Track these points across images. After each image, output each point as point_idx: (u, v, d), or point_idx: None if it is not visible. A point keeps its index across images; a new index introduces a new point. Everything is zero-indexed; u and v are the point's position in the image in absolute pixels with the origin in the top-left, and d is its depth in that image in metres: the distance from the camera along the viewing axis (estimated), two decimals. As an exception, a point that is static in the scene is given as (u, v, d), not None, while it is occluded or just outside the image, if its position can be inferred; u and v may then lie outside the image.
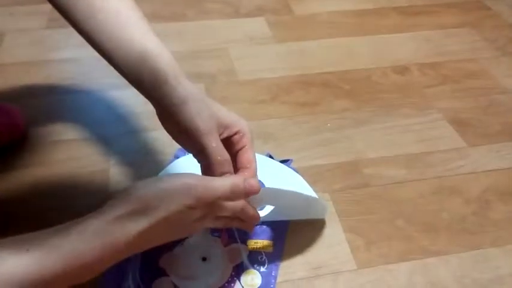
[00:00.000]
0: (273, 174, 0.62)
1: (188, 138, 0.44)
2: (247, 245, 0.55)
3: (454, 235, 0.59)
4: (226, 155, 0.44)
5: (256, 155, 0.49)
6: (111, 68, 0.47)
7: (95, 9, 0.46)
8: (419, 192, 0.64)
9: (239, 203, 0.44)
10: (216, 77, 0.84)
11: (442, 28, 1.01)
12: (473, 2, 1.11)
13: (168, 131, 0.46)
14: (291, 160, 0.66)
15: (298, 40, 0.95)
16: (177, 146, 0.47)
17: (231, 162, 0.45)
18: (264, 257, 0.54)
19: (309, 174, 0.65)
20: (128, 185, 0.45)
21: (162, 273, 0.51)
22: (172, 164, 0.65)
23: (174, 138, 0.46)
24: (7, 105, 0.69)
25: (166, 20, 1.00)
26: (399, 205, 0.62)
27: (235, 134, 0.47)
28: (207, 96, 0.46)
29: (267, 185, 0.60)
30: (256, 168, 0.48)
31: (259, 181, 0.59)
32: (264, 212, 0.56)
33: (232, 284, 0.51)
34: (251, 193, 0.43)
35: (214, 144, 0.43)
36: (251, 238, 0.56)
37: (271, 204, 0.55)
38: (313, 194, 0.60)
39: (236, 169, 0.47)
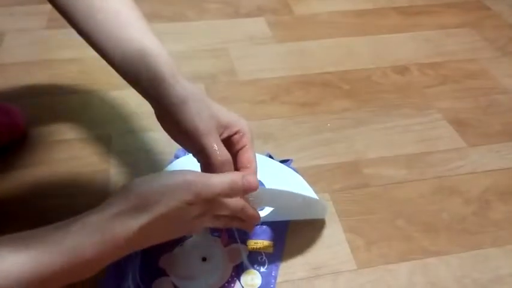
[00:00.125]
0: (273, 175, 0.62)
1: (188, 138, 0.44)
2: (247, 245, 0.55)
3: (454, 235, 0.59)
4: (226, 155, 0.44)
5: (256, 155, 0.49)
6: (111, 68, 0.47)
7: (95, 9, 0.46)
8: (420, 192, 0.64)
9: (239, 202, 0.44)
10: (216, 77, 0.84)
11: (442, 28, 1.01)
12: (473, 2, 1.11)
13: (167, 131, 0.46)
14: (291, 160, 0.66)
15: (298, 40, 0.95)
16: (177, 146, 0.47)
17: (231, 163, 0.45)
18: (264, 257, 0.54)
19: (309, 174, 0.65)
20: (127, 182, 0.45)
21: (162, 273, 0.51)
22: (172, 164, 0.65)
23: (173, 137, 0.46)
24: (7, 105, 0.69)
25: (166, 20, 1.00)
26: (399, 205, 0.62)
27: (235, 133, 0.47)
28: (207, 96, 0.46)
29: (267, 185, 0.60)
30: (256, 168, 0.48)
31: (259, 181, 0.59)
32: (264, 212, 0.56)
33: (232, 284, 0.51)
34: (249, 190, 0.43)
35: (214, 145, 0.43)
36: (251, 238, 0.56)
37: (271, 205, 0.55)
38: (313, 194, 0.60)
39: (236, 169, 0.47)
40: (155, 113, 0.46)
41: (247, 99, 0.79)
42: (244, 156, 0.48)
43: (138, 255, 0.52)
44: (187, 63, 0.86)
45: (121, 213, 0.37)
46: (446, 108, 0.79)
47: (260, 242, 0.56)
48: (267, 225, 0.57)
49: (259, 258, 0.54)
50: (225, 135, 0.46)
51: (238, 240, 0.54)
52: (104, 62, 0.47)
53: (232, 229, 0.54)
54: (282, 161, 0.66)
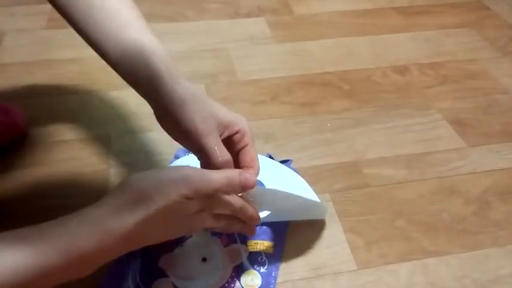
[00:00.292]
0: (273, 175, 0.62)
1: (188, 138, 0.44)
2: (247, 246, 0.55)
3: (454, 235, 0.59)
4: (227, 155, 0.44)
5: (257, 155, 0.49)
6: (111, 68, 0.47)
7: (94, 9, 0.46)
8: (420, 192, 0.64)
9: (238, 201, 0.44)
10: (216, 77, 0.84)
11: (442, 28, 1.01)
12: (473, 2, 1.11)
13: (166, 131, 0.46)
14: (291, 160, 0.66)
15: (298, 40, 0.95)
16: (177, 146, 0.47)
17: (232, 163, 0.45)
18: (264, 258, 0.54)
19: (309, 174, 0.64)
20: (125, 176, 0.45)
21: (162, 274, 0.51)
22: (172, 164, 0.65)
23: (172, 137, 0.46)
24: (7, 105, 0.69)
25: (166, 20, 1.00)
26: (399, 205, 0.62)
27: (236, 133, 0.47)
28: (207, 96, 0.46)
29: (267, 186, 0.60)
30: (259, 167, 0.48)
31: (259, 181, 0.59)
32: (264, 212, 0.56)
33: (232, 285, 0.51)
34: (246, 186, 0.43)
35: (214, 145, 0.43)
36: (251, 239, 0.56)
37: (271, 206, 0.55)
38: (313, 195, 0.60)
39: (239, 168, 0.47)
40: (154, 113, 0.46)
41: (247, 99, 0.79)
42: (247, 156, 0.47)
43: (138, 256, 0.52)
44: (187, 63, 0.86)
45: (118, 207, 0.37)
46: (446, 108, 0.79)
47: (260, 242, 0.56)
48: (267, 226, 0.57)
49: (259, 258, 0.54)
50: (225, 134, 0.46)
51: (238, 241, 0.54)
52: (103, 62, 0.47)
53: (232, 229, 0.54)
54: (282, 161, 0.66)
